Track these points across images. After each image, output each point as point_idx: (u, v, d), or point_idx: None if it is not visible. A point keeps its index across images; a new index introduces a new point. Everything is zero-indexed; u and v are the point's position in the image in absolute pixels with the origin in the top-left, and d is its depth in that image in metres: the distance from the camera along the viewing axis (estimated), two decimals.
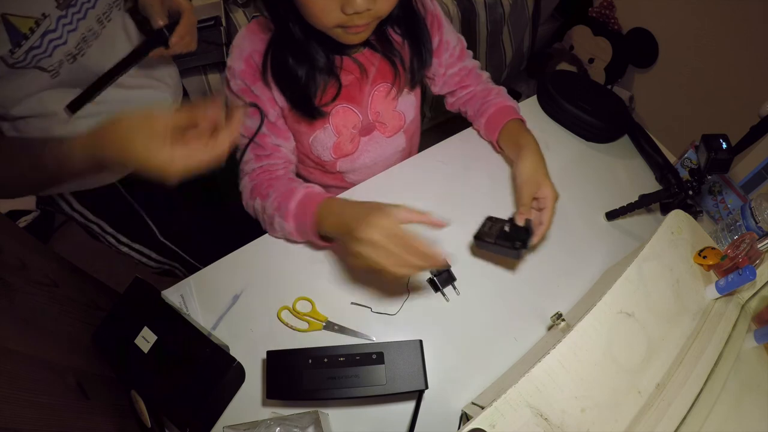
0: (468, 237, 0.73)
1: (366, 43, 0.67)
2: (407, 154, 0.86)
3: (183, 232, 0.94)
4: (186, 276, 1.06)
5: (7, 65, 0.53)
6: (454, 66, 0.79)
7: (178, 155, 0.44)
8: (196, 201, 1.02)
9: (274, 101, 0.66)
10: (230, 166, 1.38)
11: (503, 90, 0.83)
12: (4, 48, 0.51)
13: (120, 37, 0.67)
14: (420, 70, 0.72)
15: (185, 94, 0.88)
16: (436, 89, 0.84)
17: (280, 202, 0.64)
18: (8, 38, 0.51)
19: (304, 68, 0.62)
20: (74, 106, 0.62)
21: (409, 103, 0.77)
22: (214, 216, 1.30)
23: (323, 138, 0.72)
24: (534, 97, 0.96)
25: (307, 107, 0.65)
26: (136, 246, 0.89)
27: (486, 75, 0.84)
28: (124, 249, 0.88)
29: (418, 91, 0.79)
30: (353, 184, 0.81)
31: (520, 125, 0.77)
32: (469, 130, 0.89)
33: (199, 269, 1.06)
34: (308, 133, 0.71)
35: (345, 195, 0.77)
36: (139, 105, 0.71)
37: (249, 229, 0.73)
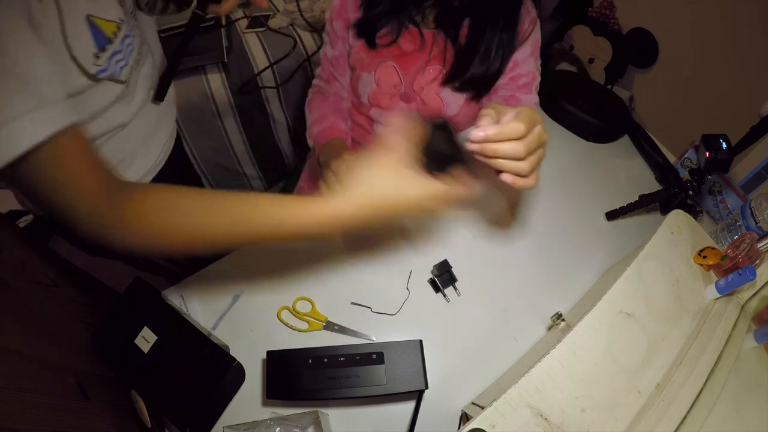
0: (468, 237, 0.73)
1: (441, 26, 0.71)
2: None
3: None
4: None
5: (88, 76, 0.47)
6: (509, 90, 0.74)
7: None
8: None
9: (346, 39, 0.76)
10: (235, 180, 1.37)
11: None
12: (89, 51, 0.46)
13: (152, 38, 0.66)
14: (475, 81, 0.72)
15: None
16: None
17: (314, 120, 0.81)
18: (94, 41, 0.46)
19: (382, 7, 0.70)
20: (161, 94, 0.64)
21: (454, 99, 0.75)
22: None
23: (366, 81, 0.78)
24: None
25: (369, 34, 0.73)
26: None
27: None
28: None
29: (470, 101, 0.76)
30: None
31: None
32: None
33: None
34: (360, 70, 0.78)
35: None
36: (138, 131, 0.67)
37: None
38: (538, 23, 0.72)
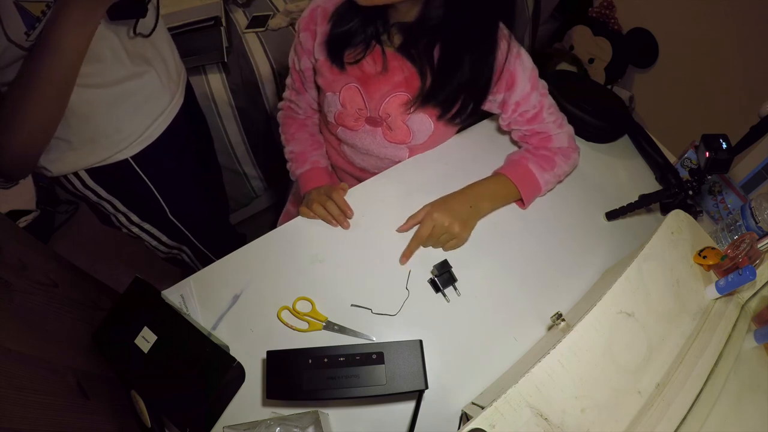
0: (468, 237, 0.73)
1: (403, 51, 0.69)
2: None
3: (192, 213, 0.96)
4: (194, 263, 1.06)
5: (23, 50, 0.56)
6: (521, 125, 0.77)
7: None
8: (204, 183, 1.02)
9: (311, 52, 0.75)
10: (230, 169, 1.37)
11: (558, 159, 0.77)
12: (19, 32, 0.55)
13: None
14: (449, 109, 0.72)
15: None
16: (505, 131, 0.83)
17: (294, 158, 0.86)
18: (22, 22, 0.55)
19: (352, 24, 0.70)
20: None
21: (423, 126, 0.76)
22: (221, 199, 1.30)
23: (331, 101, 0.77)
24: None
25: (337, 53, 0.72)
26: (146, 226, 0.89)
27: (562, 136, 0.77)
28: (135, 230, 0.89)
29: (441, 126, 0.77)
30: (348, 158, 0.87)
31: (505, 183, 0.74)
32: (469, 131, 0.89)
33: (207, 255, 1.06)
34: (325, 90, 0.78)
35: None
36: (137, 93, 0.73)
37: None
38: (522, 52, 0.70)
